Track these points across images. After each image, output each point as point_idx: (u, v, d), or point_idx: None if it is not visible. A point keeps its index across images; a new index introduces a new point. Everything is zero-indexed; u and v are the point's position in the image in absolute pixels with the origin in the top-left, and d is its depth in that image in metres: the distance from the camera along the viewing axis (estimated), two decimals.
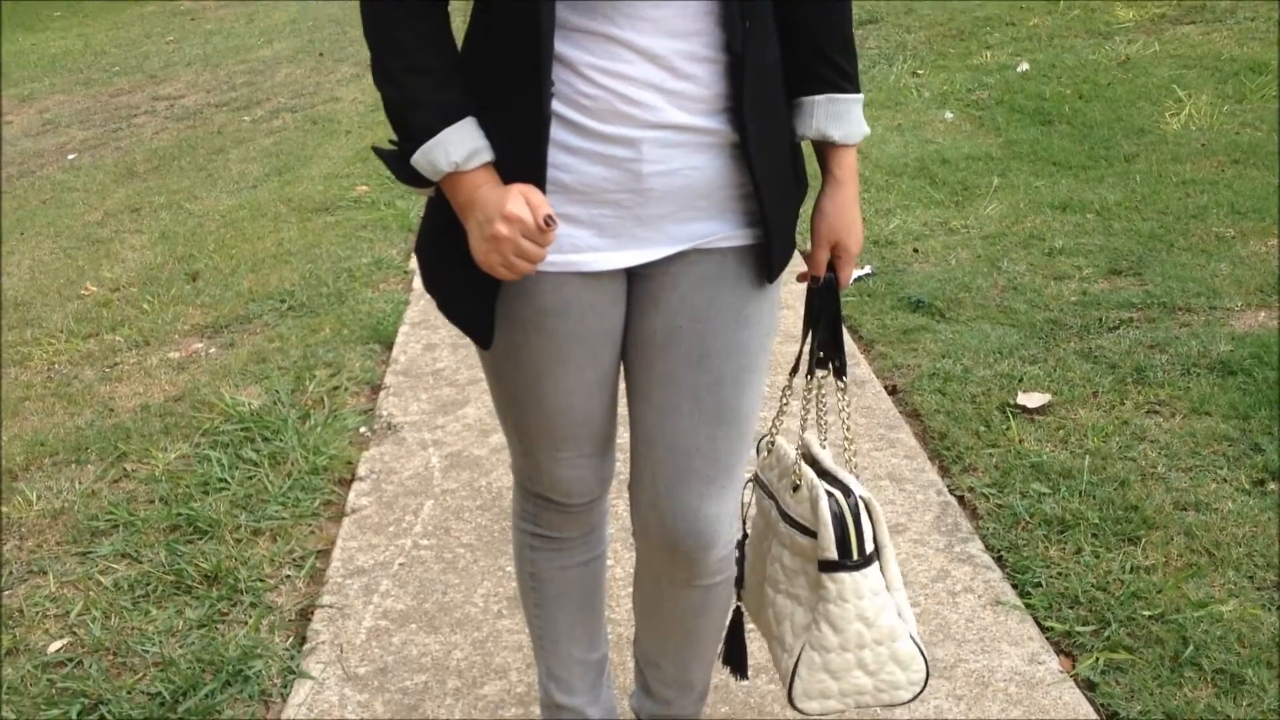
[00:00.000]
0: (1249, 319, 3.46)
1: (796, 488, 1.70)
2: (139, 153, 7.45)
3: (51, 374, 4.01)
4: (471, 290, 1.54)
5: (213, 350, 4.02)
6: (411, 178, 1.49)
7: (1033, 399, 3.17)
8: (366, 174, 6.01)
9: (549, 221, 1.40)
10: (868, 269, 4.19)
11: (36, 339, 4.35)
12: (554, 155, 1.48)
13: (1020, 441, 2.99)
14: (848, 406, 1.75)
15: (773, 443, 1.79)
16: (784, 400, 1.81)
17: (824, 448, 1.76)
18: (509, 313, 1.58)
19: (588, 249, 1.54)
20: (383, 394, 3.55)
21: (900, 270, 4.15)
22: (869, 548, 1.65)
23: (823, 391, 1.76)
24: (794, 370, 1.75)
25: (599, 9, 1.42)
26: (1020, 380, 3.28)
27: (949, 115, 5.89)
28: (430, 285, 1.62)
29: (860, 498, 1.66)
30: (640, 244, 1.55)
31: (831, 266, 1.66)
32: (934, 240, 4.38)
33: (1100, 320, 3.55)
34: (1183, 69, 5.88)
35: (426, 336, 3.90)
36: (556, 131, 1.47)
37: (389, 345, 3.89)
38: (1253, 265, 3.77)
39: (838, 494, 1.65)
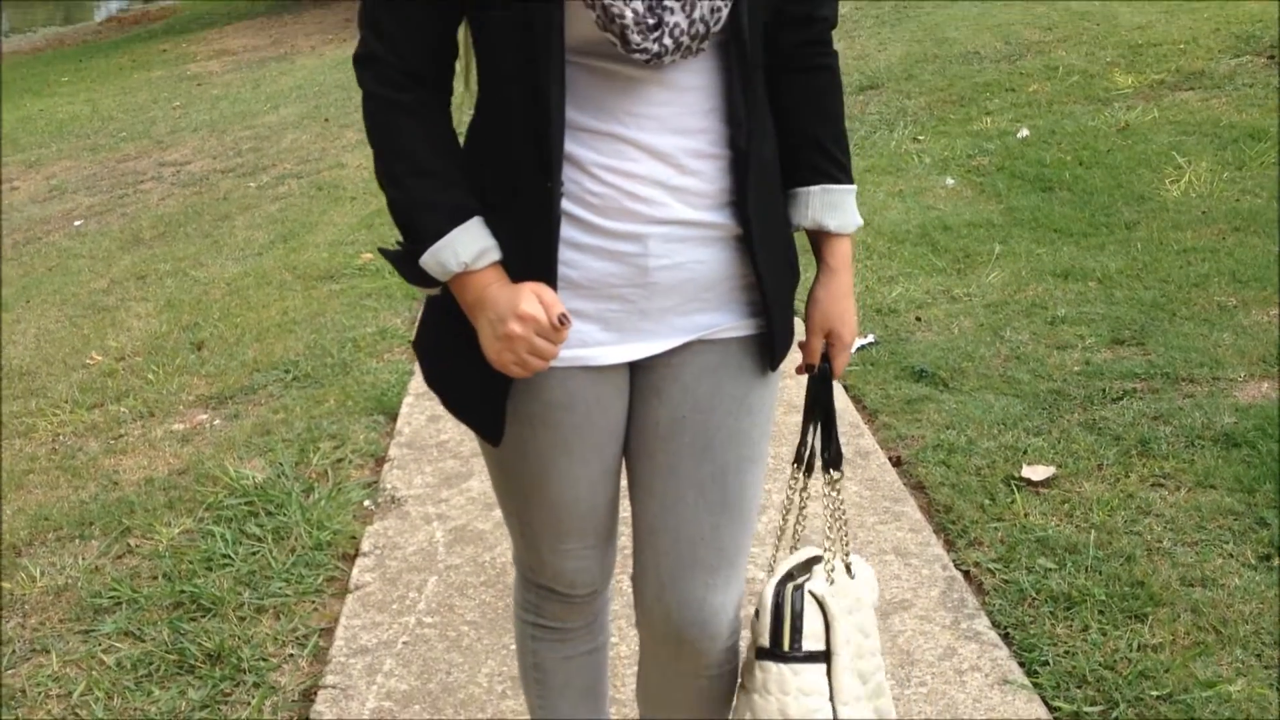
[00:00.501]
0: (1252, 390, 3.46)
1: (771, 571, 1.71)
2: (145, 219, 7.50)
3: (56, 445, 4.02)
4: (481, 388, 1.55)
5: (217, 422, 4.02)
6: (419, 278, 1.50)
7: (1037, 472, 3.16)
8: (371, 241, 6.04)
9: (563, 320, 1.41)
10: (871, 337, 4.20)
11: (41, 409, 4.36)
12: (561, 252, 1.50)
13: (1025, 515, 2.98)
14: (840, 499, 1.75)
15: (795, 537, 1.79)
16: (801, 494, 1.80)
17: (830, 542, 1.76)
18: (515, 408, 1.58)
19: (594, 343, 1.55)
20: (386, 466, 3.55)
21: (903, 339, 4.16)
22: (808, 644, 1.62)
23: (838, 489, 1.76)
24: (796, 460, 1.75)
25: (607, 109, 1.45)
26: (1024, 452, 3.28)
27: (950, 181, 5.92)
28: (434, 382, 1.63)
29: (810, 592, 1.64)
30: (645, 337, 1.56)
31: (826, 356, 1.67)
32: (936, 308, 4.40)
33: (1104, 391, 3.55)
34: (1182, 135, 5.92)
35: (430, 408, 3.90)
36: (564, 229, 1.49)
37: (393, 416, 3.89)
38: (1255, 335, 3.78)
39: (790, 582, 1.65)
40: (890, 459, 3.40)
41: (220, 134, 10.05)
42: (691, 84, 1.47)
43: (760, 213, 1.54)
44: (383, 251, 1.55)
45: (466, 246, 1.46)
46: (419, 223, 1.47)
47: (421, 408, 3.91)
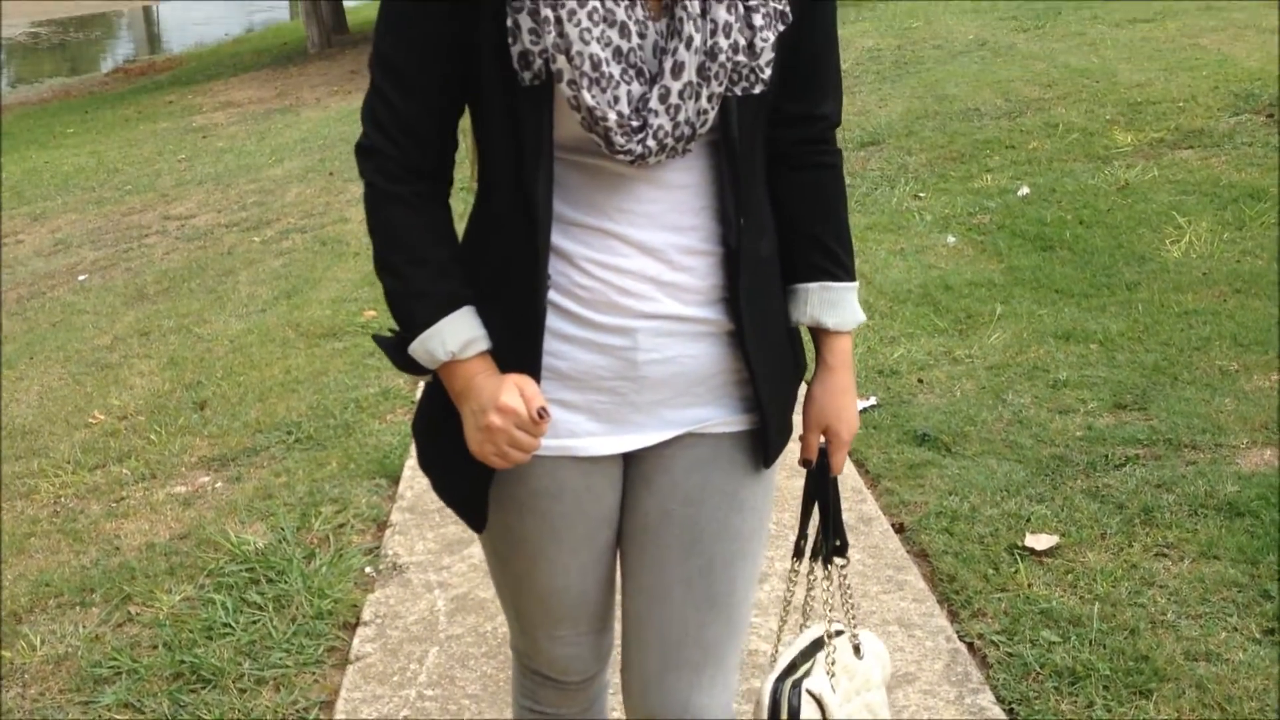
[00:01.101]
0: (1255, 457, 3.46)
1: (773, 661, 1.71)
2: (149, 274, 7.53)
3: (58, 508, 4.01)
4: (465, 475, 1.56)
5: (219, 484, 4.02)
6: (409, 365, 1.52)
7: (1041, 540, 3.16)
8: (374, 298, 6.05)
9: (542, 413, 1.42)
10: (873, 400, 4.20)
11: (43, 470, 4.36)
12: (550, 343, 1.51)
13: (1029, 586, 2.98)
14: (846, 591, 1.74)
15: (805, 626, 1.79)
16: (807, 582, 1.80)
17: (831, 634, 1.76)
18: (504, 494, 1.59)
19: (584, 434, 1.56)
20: (388, 532, 3.54)
21: (905, 401, 4.16)
22: None
23: (843, 574, 1.76)
24: (795, 553, 1.76)
25: (597, 205, 1.47)
26: (1028, 520, 3.27)
27: (951, 239, 5.94)
28: (424, 466, 1.65)
29: (808, 690, 1.64)
30: (636, 429, 1.57)
31: (825, 452, 1.67)
32: (938, 370, 4.40)
33: (1106, 457, 3.55)
34: (1182, 195, 5.94)
35: None
36: (553, 320, 1.50)
37: (395, 479, 3.89)
38: (1257, 401, 3.78)
39: (788, 679, 1.65)
40: (893, 525, 3.39)
41: (225, 187, 10.10)
42: (682, 182, 1.49)
43: (753, 309, 1.55)
44: (376, 338, 1.58)
45: (454, 336, 1.48)
46: (410, 311, 1.50)
47: None
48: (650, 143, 1.41)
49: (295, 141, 11.90)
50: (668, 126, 1.41)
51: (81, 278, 7.79)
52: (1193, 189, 6.02)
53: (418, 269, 1.49)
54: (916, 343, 4.68)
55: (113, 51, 28.19)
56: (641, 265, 1.49)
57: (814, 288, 1.62)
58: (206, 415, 4.71)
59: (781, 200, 1.60)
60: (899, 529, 3.37)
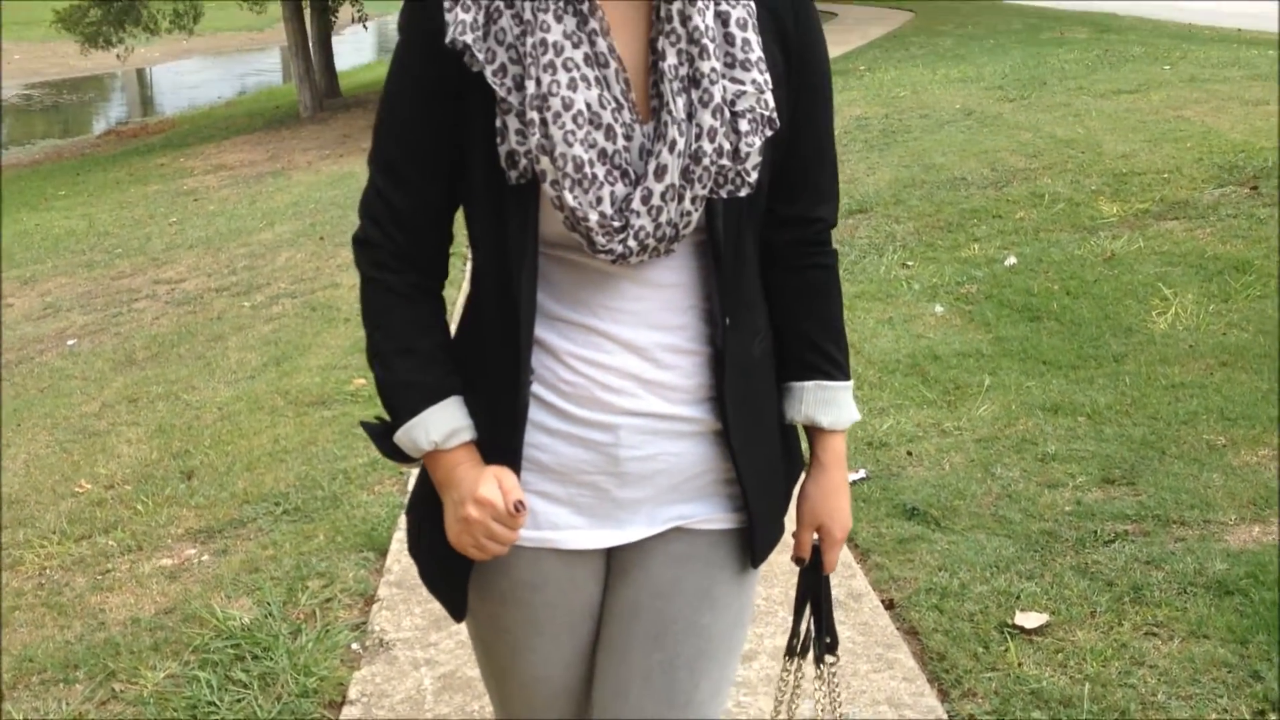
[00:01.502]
0: (1243, 534, 3.46)
1: None
2: (139, 339, 7.53)
3: (43, 580, 3.98)
4: (447, 564, 1.57)
5: (205, 557, 4.00)
6: (395, 453, 1.53)
7: (1030, 619, 3.15)
8: (363, 366, 6.05)
9: (519, 507, 1.43)
10: (862, 473, 4.20)
11: (29, 540, 4.33)
12: (533, 435, 1.52)
13: (1019, 665, 2.97)
14: (834, 687, 1.73)
15: None
16: (794, 681, 1.79)
17: None
18: (487, 584, 1.60)
19: (565, 527, 1.56)
20: (375, 607, 3.52)
21: (894, 474, 4.16)
22: None
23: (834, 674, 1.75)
24: (787, 652, 1.75)
25: (582, 301, 1.48)
26: (1018, 597, 3.26)
27: (939, 309, 5.98)
28: (413, 552, 1.66)
29: None
30: (620, 525, 1.57)
31: (818, 549, 1.67)
32: (927, 442, 4.41)
33: (1095, 533, 3.55)
34: (1167, 266, 5.99)
35: None
36: (535, 413, 1.52)
37: (383, 553, 3.87)
38: (1244, 476, 3.79)
39: None
40: (883, 601, 3.38)
41: (215, 251, 10.12)
42: (670, 281, 1.50)
43: (741, 409, 1.55)
44: (363, 425, 1.59)
45: (437, 426, 1.49)
46: (397, 400, 1.52)
47: None
48: (631, 243, 1.42)
49: (286, 205, 11.95)
50: (649, 227, 1.42)
51: (70, 342, 7.79)
52: (1178, 260, 6.07)
53: (405, 359, 1.52)
54: (905, 414, 4.69)
55: (105, 113, 28.37)
56: (624, 362, 1.50)
57: (809, 386, 1.63)
58: (194, 485, 4.69)
59: (776, 300, 1.62)
60: (889, 605, 3.36)
